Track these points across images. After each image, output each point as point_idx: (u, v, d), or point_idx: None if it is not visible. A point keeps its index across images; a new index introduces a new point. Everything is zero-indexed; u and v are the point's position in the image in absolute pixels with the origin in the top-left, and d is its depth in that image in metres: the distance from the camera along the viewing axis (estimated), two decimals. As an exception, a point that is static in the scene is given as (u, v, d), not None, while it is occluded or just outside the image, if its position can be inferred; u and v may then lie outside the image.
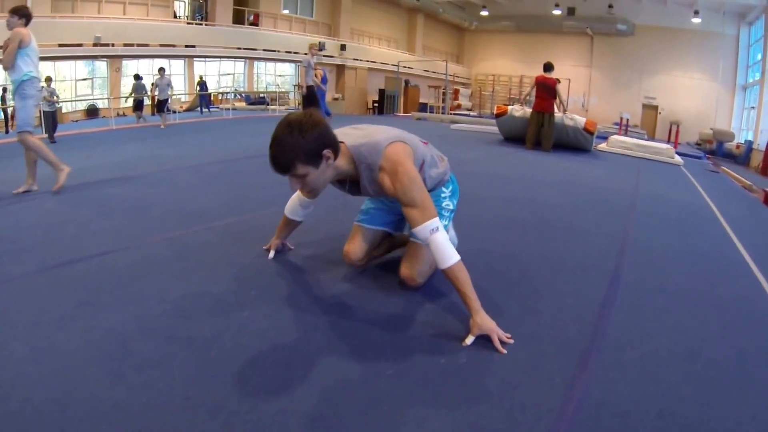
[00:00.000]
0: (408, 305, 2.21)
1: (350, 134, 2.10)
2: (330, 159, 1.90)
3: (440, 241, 1.93)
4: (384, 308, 2.18)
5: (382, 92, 22.42)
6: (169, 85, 13.24)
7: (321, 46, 20.78)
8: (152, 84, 13.11)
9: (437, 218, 1.97)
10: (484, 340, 1.88)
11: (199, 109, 18.88)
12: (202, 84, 19.73)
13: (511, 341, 1.89)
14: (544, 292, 2.46)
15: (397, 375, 1.65)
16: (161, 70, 13.45)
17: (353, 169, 2.06)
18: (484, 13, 27.61)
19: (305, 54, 11.06)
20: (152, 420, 1.38)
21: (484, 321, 1.90)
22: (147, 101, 15.55)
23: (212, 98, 20.32)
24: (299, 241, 2.85)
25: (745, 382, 1.79)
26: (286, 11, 21.86)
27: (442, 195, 2.44)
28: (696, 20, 22.69)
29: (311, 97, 10.27)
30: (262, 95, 22.68)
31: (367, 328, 1.98)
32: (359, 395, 1.53)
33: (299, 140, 1.80)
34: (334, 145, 1.92)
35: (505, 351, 1.83)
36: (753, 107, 21.04)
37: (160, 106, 13.11)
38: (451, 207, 2.49)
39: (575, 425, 1.46)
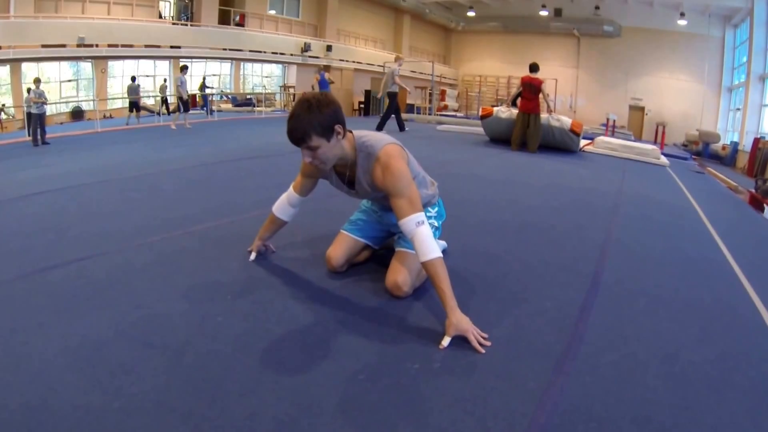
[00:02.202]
0: (386, 307, 2.22)
1: (358, 129, 2.30)
2: (340, 134, 2.09)
3: (425, 234, 2.02)
4: (361, 311, 2.18)
5: (368, 93, 22.33)
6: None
7: (306, 47, 20.74)
8: (176, 82, 13.01)
9: (423, 213, 2.08)
10: (460, 343, 1.89)
11: (204, 110, 18.52)
12: (204, 86, 19.63)
13: (488, 343, 1.90)
14: (523, 295, 2.46)
15: (370, 379, 1.65)
16: (184, 68, 13.26)
17: (353, 156, 2.22)
18: (471, 13, 27.69)
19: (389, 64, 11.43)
20: (124, 425, 1.37)
21: (460, 321, 1.91)
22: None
23: (197, 100, 20.18)
24: (280, 243, 2.84)
25: (723, 385, 1.78)
26: (273, 12, 21.75)
27: (427, 214, 2.47)
28: (682, 22, 22.90)
29: (394, 104, 10.60)
30: (248, 96, 22.55)
31: (342, 332, 1.98)
32: (330, 400, 1.53)
33: (315, 115, 2.00)
34: (344, 123, 2.11)
35: (483, 350, 1.84)
36: (738, 109, 21.30)
37: (188, 105, 12.80)
38: (437, 225, 2.57)
39: (547, 431, 1.46)
